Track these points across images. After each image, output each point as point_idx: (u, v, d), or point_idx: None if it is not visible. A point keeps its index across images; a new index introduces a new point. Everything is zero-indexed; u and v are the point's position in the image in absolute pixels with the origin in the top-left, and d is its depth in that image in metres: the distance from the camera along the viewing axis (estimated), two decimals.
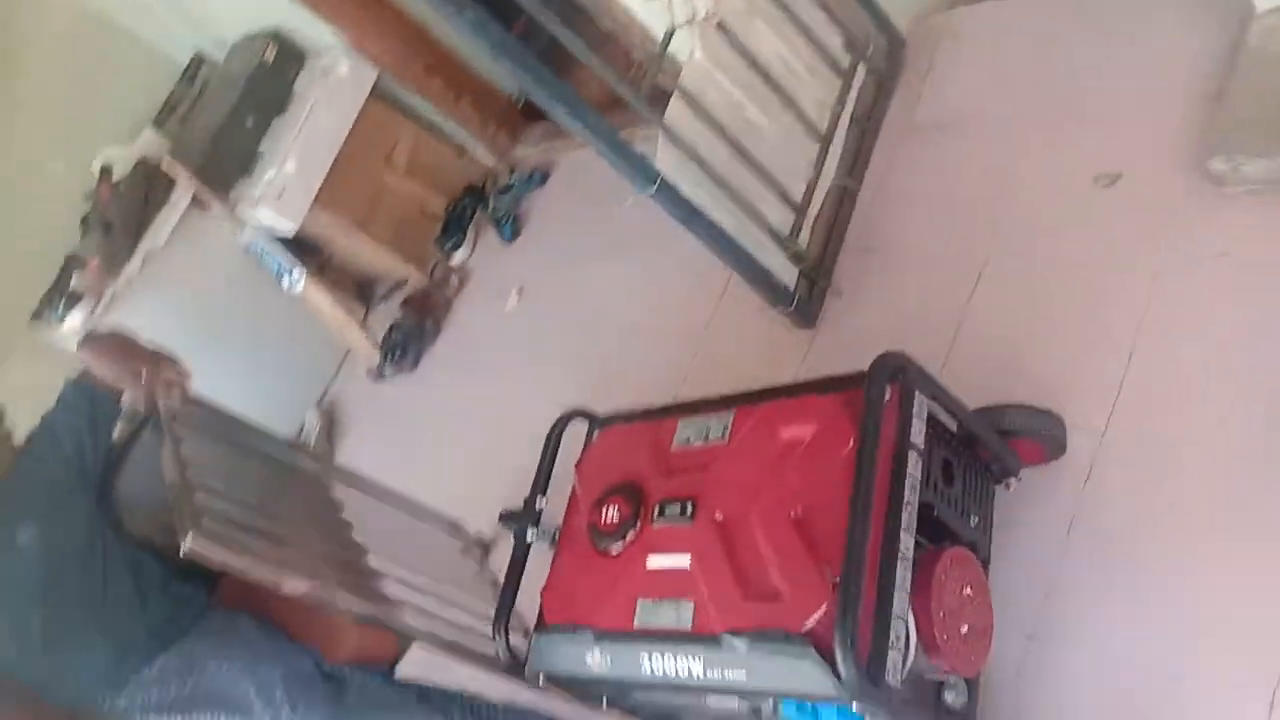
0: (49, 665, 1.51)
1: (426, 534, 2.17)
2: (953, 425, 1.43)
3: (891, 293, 2.00)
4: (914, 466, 1.28)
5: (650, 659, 1.34)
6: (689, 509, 1.37)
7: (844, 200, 2.15)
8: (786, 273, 2.05)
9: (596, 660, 1.41)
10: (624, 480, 1.49)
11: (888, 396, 1.30)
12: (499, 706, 1.73)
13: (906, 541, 1.24)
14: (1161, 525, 1.45)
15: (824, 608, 1.19)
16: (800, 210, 2.08)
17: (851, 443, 1.28)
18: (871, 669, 1.15)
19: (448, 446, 2.79)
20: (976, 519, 1.46)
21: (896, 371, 1.31)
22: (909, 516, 1.25)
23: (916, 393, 1.32)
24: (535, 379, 2.61)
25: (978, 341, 1.79)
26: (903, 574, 1.22)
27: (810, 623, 1.19)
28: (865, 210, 2.15)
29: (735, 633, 1.24)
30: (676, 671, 1.31)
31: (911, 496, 1.27)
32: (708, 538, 1.34)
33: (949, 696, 1.38)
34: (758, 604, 1.25)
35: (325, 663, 1.66)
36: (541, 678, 1.48)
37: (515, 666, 1.53)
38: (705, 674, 1.28)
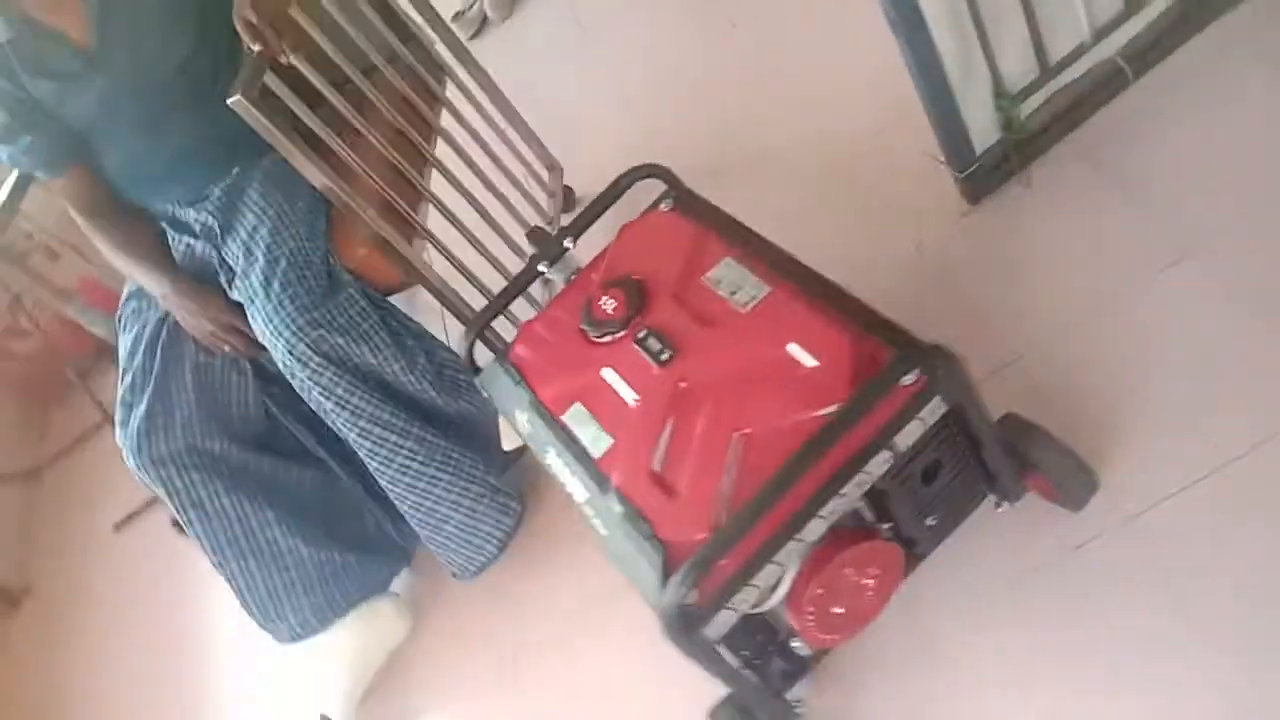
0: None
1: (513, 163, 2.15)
2: (971, 428, 1.27)
3: (1078, 223, 1.69)
4: (878, 465, 1.16)
5: (553, 455, 1.35)
6: (666, 355, 1.29)
7: (1106, 87, 1.75)
8: (985, 132, 1.74)
9: (522, 421, 1.42)
10: (641, 278, 1.40)
11: (908, 381, 1.15)
12: (462, 381, 1.80)
13: (816, 527, 1.16)
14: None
15: (697, 539, 1.14)
16: (1048, 73, 1.71)
17: (833, 407, 1.15)
18: (701, 608, 1.13)
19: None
20: (935, 520, 1.35)
21: (929, 368, 1.14)
22: (839, 504, 1.16)
23: (936, 398, 1.16)
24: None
25: (1099, 340, 1.54)
26: (814, 530, 1.16)
27: (674, 538, 1.16)
28: (1123, 115, 1.75)
29: (621, 496, 1.23)
30: (564, 481, 1.32)
31: (855, 490, 1.16)
32: (661, 395, 1.27)
33: (796, 644, 1.37)
34: (654, 488, 1.21)
35: (332, 259, 1.72)
36: (487, 394, 1.51)
37: (472, 370, 1.56)
38: (582, 503, 1.29)
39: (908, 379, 1.14)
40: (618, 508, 1.22)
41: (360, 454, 1.74)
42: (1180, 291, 1.52)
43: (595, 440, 1.31)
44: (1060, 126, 1.76)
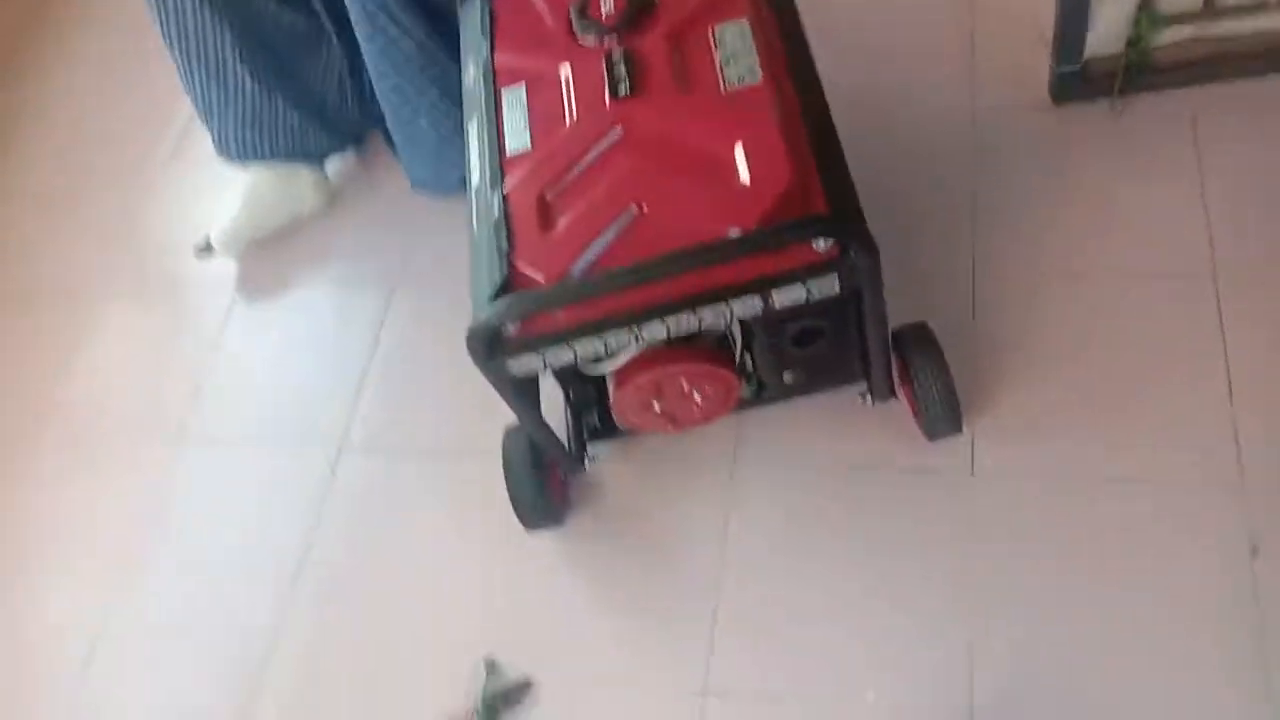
0: None
1: None
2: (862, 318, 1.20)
3: (1134, 184, 1.53)
4: (745, 307, 1.10)
5: (474, 126, 1.27)
6: (624, 90, 1.18)
7: (1260, 61, 1.52)
8: (1107, 38, 1.52)
9: (469, 74, 1.33)
10: None
11: (818, 247, 1.06)
12: None
13: (655, 329, 1.11)
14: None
15: (539, 280, 1.10)
16: (1211, 10, 1.47)
17: (733, 232, 1.07)
18: (511, 341, 1.11)
19: None
20: (792, 378, 1.32)
21: (844, 247, 1.05)
22: (688, 320, 1.10)
23: (833, 276, 1.08)
24: None
25: (1065, 305, 1.45)
26: (653, 332, 1.12)
27: (523, 269, 1.12)
28: (1256, 98, 1.54)
29: (503, 203, 1.17)
30: (470, 156, 1.25)
31: (711, 316, 1.10)
32: (596, 128, 1.18)
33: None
34: (535, 213, 1.14)
35: None
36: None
37: None
38: (472, 189, 1.23)
39: (819, 245, 1.06)
40: (495, 213, 1.17)
41: (358, 31, 1.63)
42: (1171, 307, 1.42)
43: (515, 133, 1.23)
44: (1186, 74, 1.55)
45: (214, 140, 1.85)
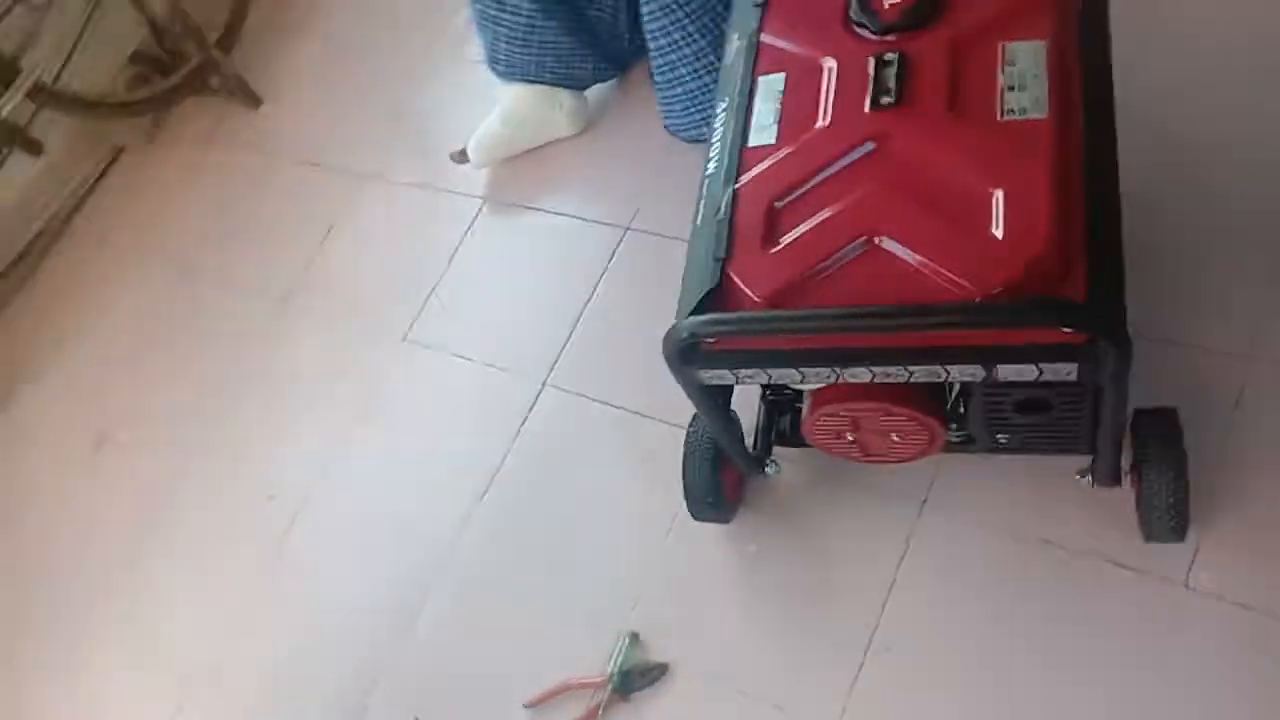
0: None
1: None
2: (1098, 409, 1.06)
3: None
4: (965, 372, 0.99)
5: (723, 108, 1.20)
6: (888, 100, 1.07)
7: None
8: None
9: (732, 47, 1.25)
10: None
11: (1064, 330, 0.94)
12: None
13: (859, 373, 1.03)
14: None
15: (750, 296, 1.04)
16: None
17: (970, 292, 0.95)
18: (705, 354, 1.07)
19: None
20: (1006, 439, 1.20)
21: (1092, 344, 0.92)
22: (895, 372, 1.02)
23: (1075, 367, 0.95)
24: None
25: None
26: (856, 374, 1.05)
27: (737, 279, 1.06)
28: None
29: (732, 202, 1.10)
30: (714, 137, 1.19)
31: (923, 374, 1.01)
32: (848, 138, 1.07)
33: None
34: (762, 221, 1.07)
35: None
36: None
37: None
38: (706, 174, 1.17)
39: (1066, 329, 0.93)
40: (721, 211, 1.11)
41: None
42: None
43: (762, 126, 1.15)
44: None
45: (484, 52, 1.87)
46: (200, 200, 2.32)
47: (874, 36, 1.13)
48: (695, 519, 1.40)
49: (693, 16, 1.59)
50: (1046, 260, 0.95)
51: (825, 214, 1.05)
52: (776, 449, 1.38)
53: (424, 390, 1.80)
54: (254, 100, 2.42)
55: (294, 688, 1.60)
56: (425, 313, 1.88)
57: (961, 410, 1.18)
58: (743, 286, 1.05)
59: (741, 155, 1.15)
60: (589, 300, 1.74)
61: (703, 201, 1.15)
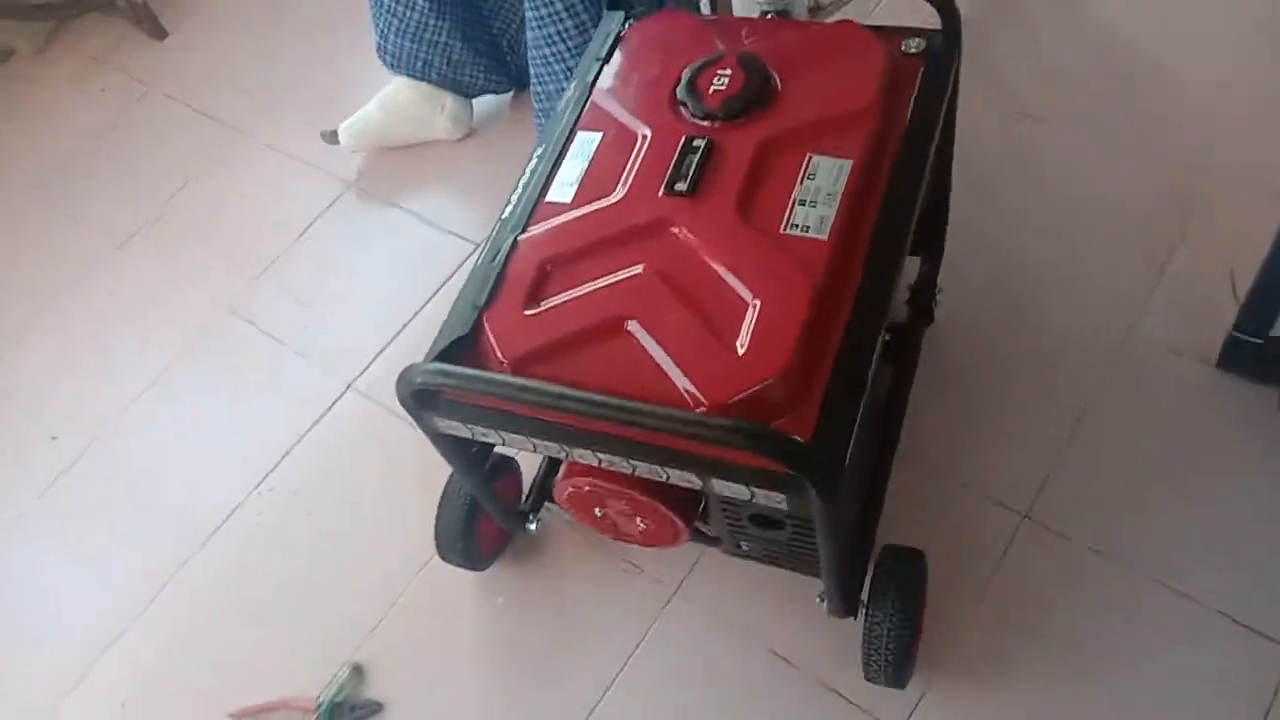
0: None
1: None
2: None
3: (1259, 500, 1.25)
4: (683, 475, 0.96)
5: (537, 156, 1.16)
6: (682, 187, 1.04)
7: None
8: None
9: (569, 94, 1.21)
10: (777, 88, 1.10)
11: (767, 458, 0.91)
12: None
13: (585, 455, 0.99)
14: None
15: (492, 357, 1.00)
16: None
17: (693, 406, 0.92)
18: (439, 401, 1.03)
19: None
20: (747, 548, 1.17)
21: (799, 474, 0.89)
22: (617, 462, 0.98)
23: (782, 497, 0.92)
24: None
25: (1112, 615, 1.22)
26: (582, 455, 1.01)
27: (489, 332, 1.02)
28: None
29: (508, 257, 1.07)
30: (519, 181, 1.15)
31: (648, 470, 0.97)
32: (626, 220, 1.05)
33: None
34: (527, 282, 1.04)
35: None
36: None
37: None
38: (500, 218, 1.13)
39: (769, 456, 0.90)
40: (496, 259, 1.07)
41: None
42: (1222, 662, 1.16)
43: (565, 182, 1.11)
44: None
45: (376, 40, 1.82)
46: (76, 121, 2.22)
47: (693, 119, 1.10)
48: (442, 559, 1.36)
49: (578, 50, 1.55)
50: (779, 387, 0.92)
51: (588, 288, 1.02)
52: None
53: (231, 364, 1.73)
54: (159, 32, 2.33)
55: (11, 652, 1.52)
56: (256, 285, 1.81)
57: (705, 509, 1.15)
58: (491, 341, 1.01)
59: (536, 206, 1.11)
60: (420, 311, 1.69)
61: (489, 241, 1.11)
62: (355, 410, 1.60)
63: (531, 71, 1.62)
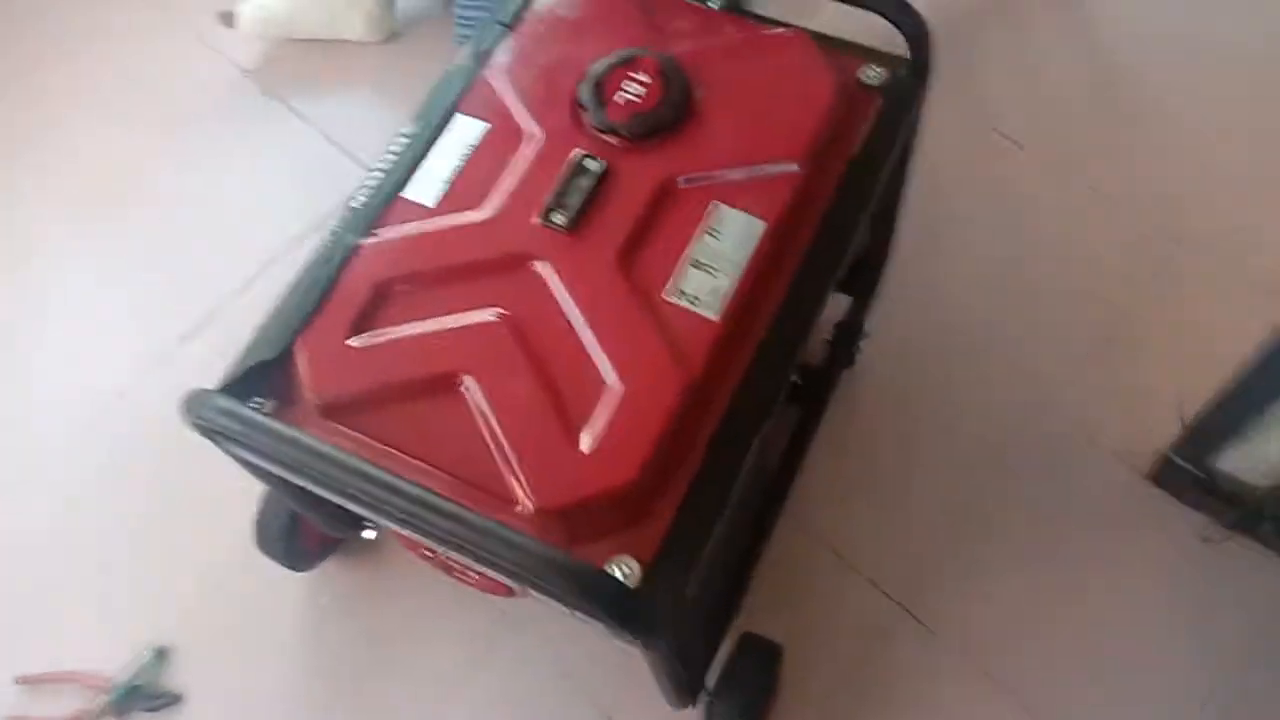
0: None
1: None
2: None
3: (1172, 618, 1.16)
4: (488, 569, 0.82)
5: (407, 133, 0.96)
6: (561, 220, 0.86)
7: None
8: (1258, 466, 1.10)
9: (451, 72, 1.01)
10: (699, 100, 0.92)
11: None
12: None
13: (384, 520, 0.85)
14: None
15: (307, 387, 0.83)
16: None
17: (536, 495, 0.78)
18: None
19: None
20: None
21: (636, 626, 0.75)
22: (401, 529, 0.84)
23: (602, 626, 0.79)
24: None
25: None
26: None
27: (304, 352, 0.85)
28: None
29: (345, 260, 0.89)
30: (375, 166, 0.96)
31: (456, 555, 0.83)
32: (495, 249, 0.87)
33: None
34: (368, 298, 0.86)
35: None
36: None
37: None
38: (348, 203, 0.94)
39: (586, 600, 0.75)
40: (329, 266, 0.89)
41: None
42: None
43: (431, 177, 0.92)
44: None
45: None
46: None
47: (593, 128, 0.91)
48: (261, 551, 1.21)
49: None
50: (622, 499, 0.78)
51: (428, 325, 0.85)
52: None
53: (79, 276, 1.53)
54: None
55: None
56: (125, 185, 1.59)
57: None
58: (303, 370, 0.85)
59: (392, 202, 0.93)
60: (295, 243, 1.49)
61: (327, 239, 0.92)
62: (206, 357, 1.42)
63: None
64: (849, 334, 1.28)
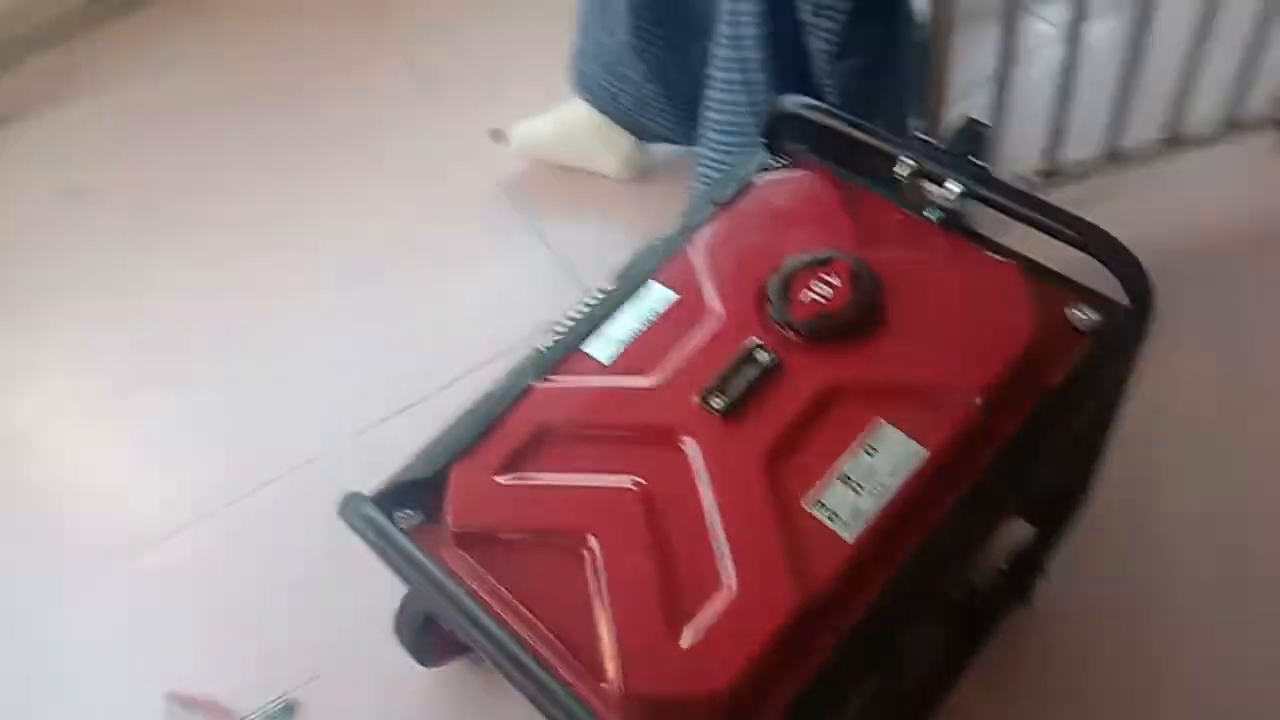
0: None
1: None
2: None
3: None
4: None
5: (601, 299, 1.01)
6: (722, 405, 0.87)
7: None
8: None
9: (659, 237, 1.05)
10: (882, 304, 0.91)
11: None
12: None
13: None
14: None
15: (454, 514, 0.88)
16: None
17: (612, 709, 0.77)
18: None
19: None
20: None
21: None
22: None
23: None
24: None
25: None
26: None
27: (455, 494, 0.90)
28: None
29: (490, 407, 0.93)
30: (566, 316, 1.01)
31: None
32: (657, 428, 0.89)
33: None
34: (500, 452, 0.91)
35: None
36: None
37: None
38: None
39: None
40: (504, 397, 0.94)
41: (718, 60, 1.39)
42: None
43: (612, 337, 0.96)
44: None
45: (571, 54, 1.71)
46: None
47: (773, 320, 0.92)
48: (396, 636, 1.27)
49: (740, 131, 1.38)
50: (713, 706, 0.75)
51: (572, 479, 0.87)
52: None
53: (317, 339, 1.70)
54: None
55: None
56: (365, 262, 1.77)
57: None
58: (448, 498, 0.89)
59: (572, 353, 0.97)
60: (503, 354, 1.58)
61: (508, 374, 0.98)
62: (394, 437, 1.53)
63: (701, 134, 1.47)
64: (1024, 567, 1.18)
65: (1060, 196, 1.50)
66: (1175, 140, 1.51)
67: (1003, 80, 1.40)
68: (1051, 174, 1.51)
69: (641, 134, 1.72)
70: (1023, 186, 1.51)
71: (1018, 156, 1.55)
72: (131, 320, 1.78)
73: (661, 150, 1.78)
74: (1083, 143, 1.53)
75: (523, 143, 1.78)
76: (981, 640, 1.17)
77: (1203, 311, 1.40)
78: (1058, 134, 1.47)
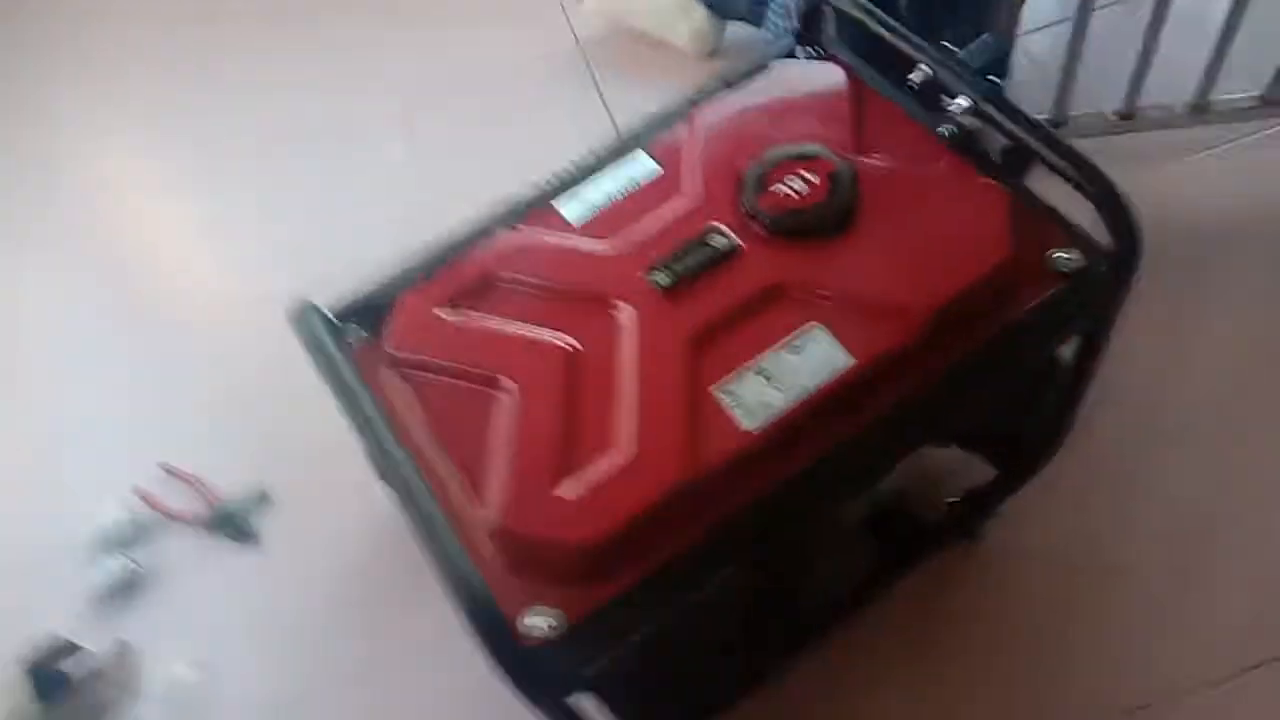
0: None
1: None
2: None
3: None
4: None
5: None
6: (666, 280, 0.87)
7: None
8: None
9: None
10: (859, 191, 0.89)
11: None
12: None
13: None
14: None
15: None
16: None
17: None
18: None
19: None
20: None
21: None
22: None
23: None
24: None
25: None
26: None
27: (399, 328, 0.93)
28: None
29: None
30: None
31: None
32: (621, 285, 0.89)
33: None
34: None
35: None
36: None
37: None
38: None
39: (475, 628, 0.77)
40: (465, 239, 0.96)
41: None
42: None
43: (585, 200, 0.97)
44: None
45: None
46: None
47: (743, 208, 0.91)
48: None
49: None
50: (575, 557, 0.78)
51: (508, 326, 0.89)
52: None
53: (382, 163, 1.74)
54: None
55: None
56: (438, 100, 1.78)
57: None
58: (391, 321, 0.92)
59: (544, 208, 0.98)
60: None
61: (481, 217, 0.99)
62: None
63: (766, 17, 1.42)
64: (977, 505, 1.17)
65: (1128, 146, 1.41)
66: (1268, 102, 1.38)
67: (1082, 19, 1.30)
68: (1128, 117, 1.41)
69: (722, 10, 1.66)
70: (1094, 125, 1.43)
71: (1103, 96, 1.45)
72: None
73: (737, 33, 1.73)
74: (1171, 92, 1.42)
75: (601, 2, 1.75)
76: (910, 567, 1.16)
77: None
78: (1137, 79, 1.36)
